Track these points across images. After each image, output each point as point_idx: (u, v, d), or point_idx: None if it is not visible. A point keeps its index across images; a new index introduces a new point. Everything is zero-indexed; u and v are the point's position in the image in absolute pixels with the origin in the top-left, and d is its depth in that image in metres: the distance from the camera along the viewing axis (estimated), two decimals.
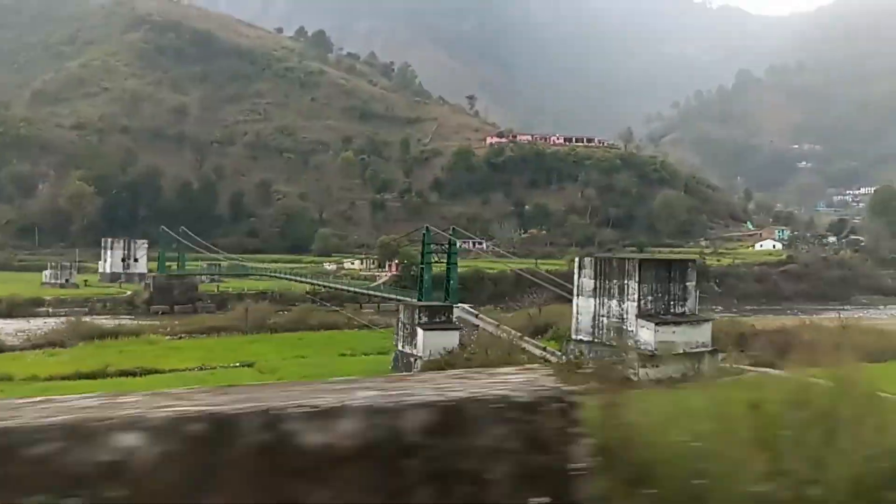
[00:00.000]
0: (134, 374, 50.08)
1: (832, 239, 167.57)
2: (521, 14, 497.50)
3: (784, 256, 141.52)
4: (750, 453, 3.04)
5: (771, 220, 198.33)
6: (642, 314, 41.80)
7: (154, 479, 1.96)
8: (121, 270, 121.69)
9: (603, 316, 43.86)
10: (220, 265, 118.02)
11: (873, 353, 45.91)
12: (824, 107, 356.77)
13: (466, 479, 2.17)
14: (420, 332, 48.95)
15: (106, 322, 78.06)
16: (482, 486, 2.17)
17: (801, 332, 51.91)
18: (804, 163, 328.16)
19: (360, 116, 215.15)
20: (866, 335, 51.58)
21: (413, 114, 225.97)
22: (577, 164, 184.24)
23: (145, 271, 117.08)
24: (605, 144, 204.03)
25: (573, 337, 45.86)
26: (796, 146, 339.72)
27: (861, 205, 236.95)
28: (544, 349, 49.47)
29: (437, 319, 50.75)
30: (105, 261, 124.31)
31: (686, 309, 43.34)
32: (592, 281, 44.65)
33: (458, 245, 72.04)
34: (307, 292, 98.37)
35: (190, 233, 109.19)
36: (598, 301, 44.19)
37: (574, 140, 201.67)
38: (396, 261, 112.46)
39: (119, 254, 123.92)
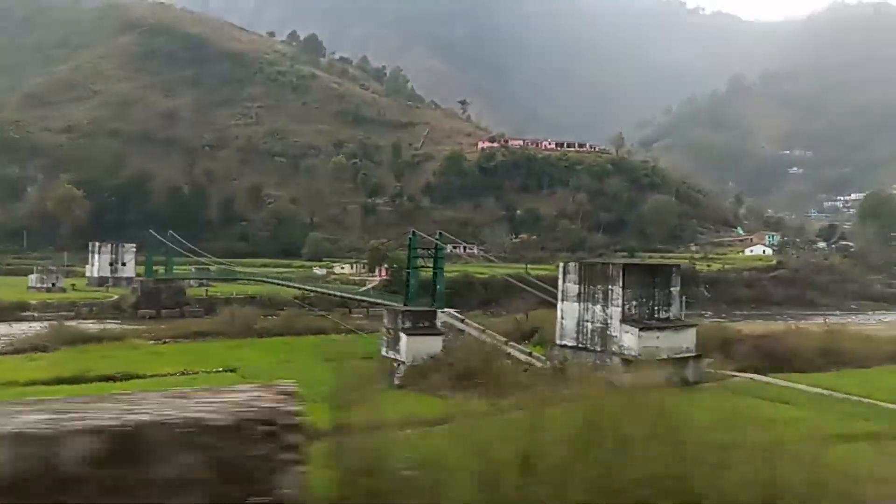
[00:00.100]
0: (114, 379, 49.40)
1: (822, 244, 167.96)
2: (513, 20, 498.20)
3: (774, 262, 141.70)
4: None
5: (762, 225, 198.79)
6: (626, 319, 41.54)
7: None
8: (109, 275, 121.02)
9: (587, 321, 43.59)
10: (209, 269, 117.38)
11: (859, 358, 46.07)
12: (816, 113, 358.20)
13: None
14: (403, 337, 48.60)
15: (91, 326, 77.42)
16: None
17: (787, 337, 51.94)
18: (795, 168, 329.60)
19: (351, 120, 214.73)
20: (852, 341, 51.54)
21: (405, 118, 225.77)
22: (568, 169, 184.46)
23: (133, 275, 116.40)
24: (597, 149, 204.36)
25: (557, 342, 45.56)
26: (788, 152, 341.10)
27: (852, 210, 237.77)
28: (529, 354, 49.16)
29: (421, 324, 50.41)
30: (93, 265, 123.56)
31: (670, 314, 43.12)
32: (577, 286, 44.41)
33: (448, 249, 71.75)
34: (296, 297, 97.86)
35: (178, 237, 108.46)
36: (582, 306, 43.93)
37: (566, 145, 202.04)
38: (386, 265, 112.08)
39: (107, 258, 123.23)
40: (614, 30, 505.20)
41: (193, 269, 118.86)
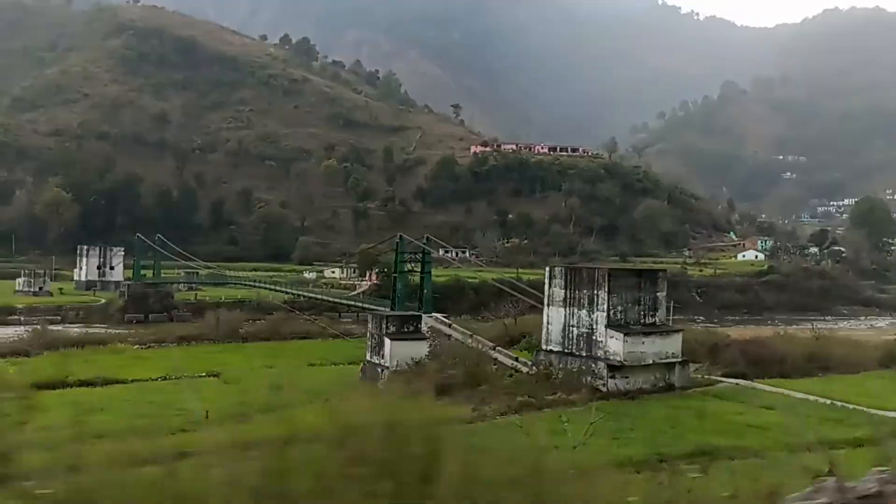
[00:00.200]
0: (95, 384, 48.68)
1: (814, 249, 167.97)
2: (507, 24, 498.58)
3: (766, 267, 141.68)
4: None
5: (754, 230, 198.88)
6: (612, 324, 40.99)
7: None
8: (96, 278, 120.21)
9: (573, 326, 43.01)
10: (197, 273, 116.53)
11: (847, 364, 45.60)
12: (808, 119, 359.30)
13: None
14: (388, 341, 47.97)
15: (76, 331, 76.61)
16: None
17: (775, 342, 51.50)
18: (788, 174, 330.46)
19: (343, 124, 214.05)
20: (841, 346, 51.14)
21: (397, 122, 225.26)
22: (561, 174, 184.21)
23: (121, 279, 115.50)
24: (590, 154, 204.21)
25: (543, 347, 44.96)
26: (780, 157, 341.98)
27: (844, 216, 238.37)
28: (516, 359, 48.65)
29: (406, 329, 49.80)
30: (80, 269, 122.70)
31: (656, 319, 42.57)
32: (563, 291, 43.82)
33: (439, 253, 71.20)
34: (285, 301, 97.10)
35: (166, 240, 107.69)
36: (568, 311, 43.34)
37: (558, 149, 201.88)
38: (376, 270, 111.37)
39: (95, 262, 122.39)
40: (608, 35, 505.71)
41: (182, 273, 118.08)
